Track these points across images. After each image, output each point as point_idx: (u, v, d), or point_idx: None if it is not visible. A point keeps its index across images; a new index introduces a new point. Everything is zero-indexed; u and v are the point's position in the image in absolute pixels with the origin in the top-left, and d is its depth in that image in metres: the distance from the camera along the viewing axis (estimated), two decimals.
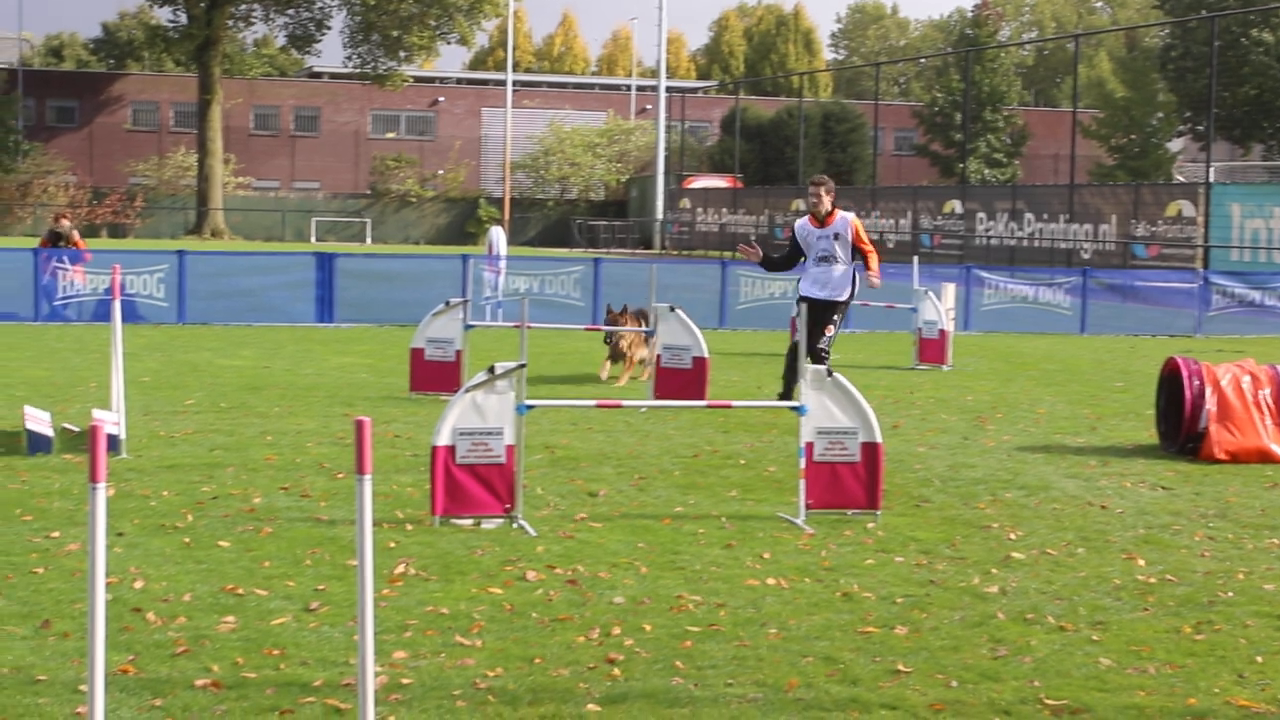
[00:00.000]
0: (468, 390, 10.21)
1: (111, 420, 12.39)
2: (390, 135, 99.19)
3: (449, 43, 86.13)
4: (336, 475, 11.79)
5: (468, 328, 17.07)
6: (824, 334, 15.75)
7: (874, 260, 16.14)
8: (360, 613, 5.20)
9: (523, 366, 10.29)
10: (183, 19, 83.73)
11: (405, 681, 6.79)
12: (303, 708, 6.44)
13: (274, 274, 29.38)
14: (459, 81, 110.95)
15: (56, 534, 9.49)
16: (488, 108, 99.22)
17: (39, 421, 12.66)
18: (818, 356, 15.36)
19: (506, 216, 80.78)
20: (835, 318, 16.08)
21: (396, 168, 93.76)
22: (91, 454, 4.97)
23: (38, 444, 12.36)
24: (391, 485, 11.33)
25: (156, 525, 9.85)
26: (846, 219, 16.02)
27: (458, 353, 16.72)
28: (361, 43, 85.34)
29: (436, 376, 16.50)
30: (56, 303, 27.18)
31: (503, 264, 29.79)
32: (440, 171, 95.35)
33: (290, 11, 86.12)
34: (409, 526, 9.97)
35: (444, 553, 9.28)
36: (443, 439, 10.06)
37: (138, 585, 8.29)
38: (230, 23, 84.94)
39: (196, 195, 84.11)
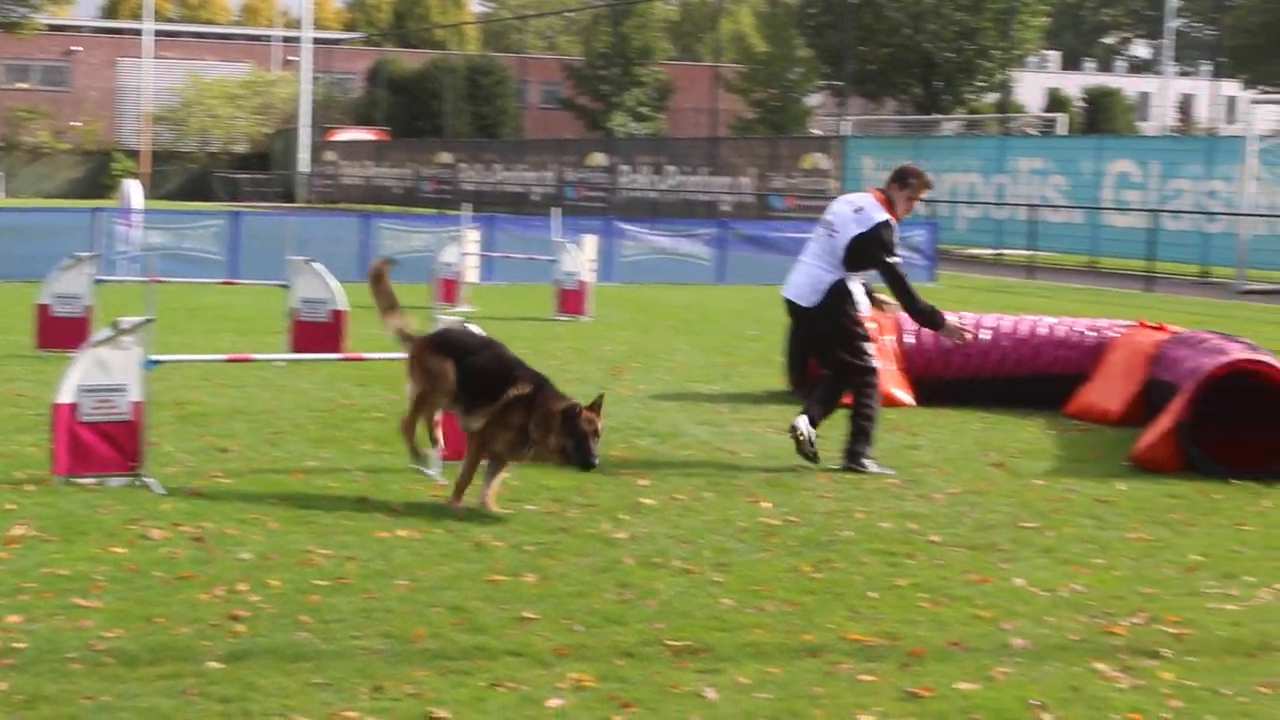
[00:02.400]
0: (92, 346, 9.95)
1: None
2: (22, 85, 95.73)
3: None
4: None
5: (97, 282, 16.60)
6: None
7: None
8: None
9: (150, 321, 10.06)
10: None
11: (18, 645, 6.60)
12: None
13: None
14: (95, 30, 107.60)
15: None
16: (125, 58, 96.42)
17: None
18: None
19: (145, 169, 78.79)
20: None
21: (30, 119, 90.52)
22: None
23: None
24: (12, 445, 10.97)
25: None
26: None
27: (86, 308, 16.25)
28: None
29: (64, 333, 15.98)
30: None
31: (137, 218, 29.01)
32: (75, 123, 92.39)
33: None
34: (29, 487, 9.66)
35: (65, 513, 9.02)
36: (65, 396, 9.78)
37: None
38: None
39: None
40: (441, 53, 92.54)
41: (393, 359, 14.79)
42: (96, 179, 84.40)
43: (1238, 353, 11.82)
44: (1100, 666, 6.73)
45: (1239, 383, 11.54)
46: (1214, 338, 13.06)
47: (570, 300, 22.11)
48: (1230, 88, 77.93)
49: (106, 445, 9.88)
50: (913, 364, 14.32)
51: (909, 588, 7.94)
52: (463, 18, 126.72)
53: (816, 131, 71.02)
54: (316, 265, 16.35)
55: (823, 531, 9.13)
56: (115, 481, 9.82)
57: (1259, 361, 11.53)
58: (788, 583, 7.97)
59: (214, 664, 6.45)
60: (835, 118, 60.89)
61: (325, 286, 16.19)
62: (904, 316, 14.40)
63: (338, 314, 16.13)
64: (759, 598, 7.67)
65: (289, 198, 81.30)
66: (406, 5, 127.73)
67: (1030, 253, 35.86)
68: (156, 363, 10.23)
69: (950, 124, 60.18)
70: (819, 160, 47.99)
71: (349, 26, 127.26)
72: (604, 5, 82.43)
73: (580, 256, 22.43)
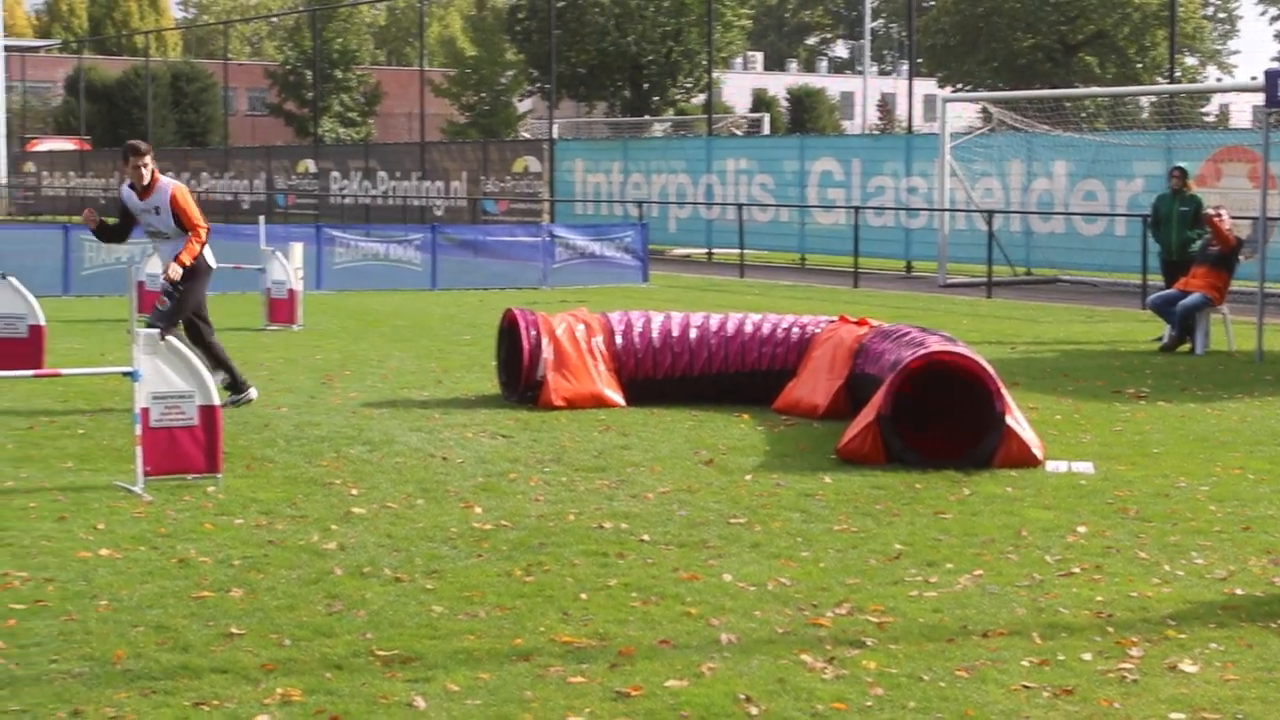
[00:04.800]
0: None
1: None
2: None
3: None
4: None
5: None
6: (157, 306, 14.58)
7: (194, 242, 13.87)
8: None
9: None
10: None
11: None
12: None
13: None
14: None
15: None
16: None
17: None
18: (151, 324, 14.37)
19: None
20: (173, 290, 14.40)
21: None
22: None
23: None
24: None
25: None
26: (167, 188, 13.90)
27: None
28: None
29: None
30: None
31: None
32: None
33: None
34: None
35: None
36: None
37: None
38: None
39: None
40: (143, 60, 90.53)
41: (93, 374, 14.50)
42: None
43: (936, 345, 12.14)
44: (806, 658, 6.85)
45: (938, 374, 11.85)
46: (914, 331, 13.38)
47: (280, 309, 21.81)
48: (928, 86, 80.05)
49: None
50: (623, 364, 14.42)
51: (619, 587, 7.99)
52: (164, 23, 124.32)
53: (527, 135, 71.18)
54: (12, 279, 15.87)
55: (535, 535, 9.15)
56: None
57: (955, 353, 11.85)
58: (499, 587, 7.97)
59: None
60: (545, 121, 61.05)
61: (23, 301, 15.72)
62: (614, 317, 14.52)
63: (36, 329, 15.67)
64: (471, 604, 7.65)
65: None
66: (103, 12, 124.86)
67: (740, 251, 36.34)
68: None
69: (659, 125, 60.80)
70: (530, 163, 48.07)
71: (44, 33, 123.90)
72: (307, 10, 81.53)
73: (288, 265, 22.14)
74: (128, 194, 14.08)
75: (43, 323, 15.72)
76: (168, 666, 6.65)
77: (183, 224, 13.90)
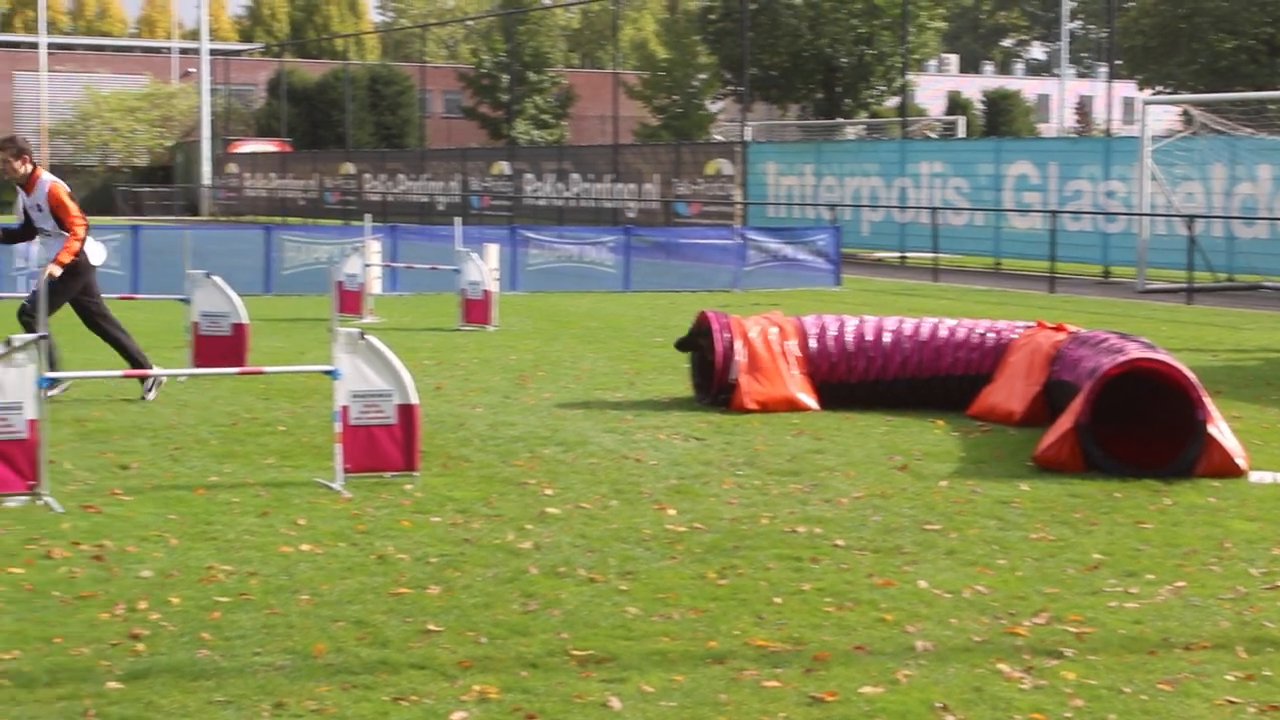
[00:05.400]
0: None
1: None
2: None
3: None
4: None
5: None
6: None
7: (73, 240, 13.76)
8: None
9: (44, 338, 9.94)
10: None
11: None
12: None
13: None
14: None
15: None
16: (20, 71, 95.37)
17: None
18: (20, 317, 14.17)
19: None
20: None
21: None
22: None
23: None
24: None
25: None
26: (45, 185, 13.81)
27: None
28: None
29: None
30: None
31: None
32: None
33: None
34: None
35: None
36: None
37: None
38: None
39: None
40: (342, 63, 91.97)
41: (294, 372, 14.76)
42: None
43: (1135, 352, 11.93)
44: (1003, 667, 6.77)
45: (1138, 381, 11.65)
46: (1112, 337, 13.17)
47: (475, 310, 22.04)
48: (1127, 89, 78.76)
49: (3, 464, 9.75)
50: (816, 368, 14.36)
51: (814, 592, 7.95)
52: (363, 27, 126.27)
53: (720, 137, 71.18)
54: (217, 279, 16.22)
55: (728, 538, 9.14)
56: (13, 501, 9.70)
57: (1155, 360, 11.64)
58: (693, 590, 7.97)
59: (114, 684, 6.38)
60: (738, 124, 60.99)
61: (227, 300, 16.05)
62: (808, 321, 14.47)
63: (239, 327, 16.00)
64: (664, 605, 7.67)
65: (193, 210, 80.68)
66: (304, 15, 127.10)
67: (934, 255, 36.05)
68: (51, 380, 10.12)
69: (852, 128, 60.49)
70: (723, 166, 48.09)
71: (247, 37, 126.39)
72: (501, 14, 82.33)
73: (484, 266, 22.37)
74: (20, 191, 14.14)
75: (246, 321, 16.04)
76: (367, 661, 6.74)
77: (62, 222, 13.87)
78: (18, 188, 14.09)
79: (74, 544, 8.73)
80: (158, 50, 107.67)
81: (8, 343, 9.83)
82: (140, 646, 6.89)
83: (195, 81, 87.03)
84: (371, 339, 10.56)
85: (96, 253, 14.46)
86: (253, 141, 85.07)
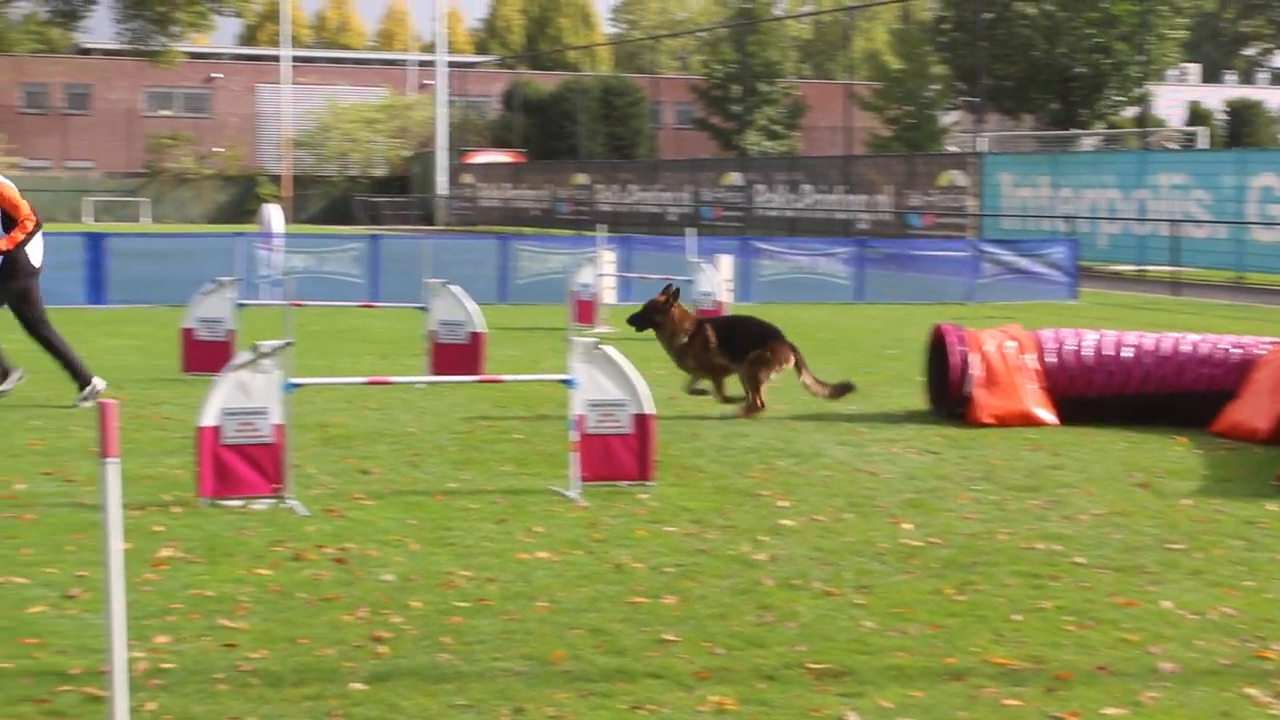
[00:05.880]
0: (233, 369, 10.08)
1: None
2: (165, 113, 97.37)
3: (222, 14, 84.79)
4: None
5: (239, 306, 16.84)
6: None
7: (18, 231, 13.84)
8: (106, 601, 5.12)
9: (289, 344, 10.17)
10: None
11: (166, 666, 6.69)
12: (60, 696, 6.31)
13: (44, 255, 28.63)
14: (234, 57, 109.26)
15: None
16: (264, 84, 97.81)
17: None
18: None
19: (287, 194, 79.81)
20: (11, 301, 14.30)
21: (173, 145, 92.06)
22: None
23: None
24: (160, 468, 11.13)
25: None
26: None
27: (229, 332, 16.49)
28: (132, 18, 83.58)
29: (208, 357, 16.21)
30: None
31: (278, 242, 29.39)
32: (217, 149, 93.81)
33: None
34: (176, 509, 9.81)
35: (211, 535, 9.15)
36: (208, 419, 9.92)
37: None
38: None
39: None
40: (575, 74, 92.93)
41: (531, 381, 14.91)
42: (241, 204, 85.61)
43: None
44: (1252, 692, 6.60)
45: None
46: None
47: None
48: None
49: (249, 468, 10.00)
50: (1055, 383, 14.14)
51: (1054, 610, 7.83)
52: (595, 39, 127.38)
53: (953, 148, 70.51)
54: (454, 288, 16.46)
55: (965, 553, 9.04)
56: (259, 504, 9.94)
57: None
58: (930, 605, 7.89)
59: (358, 685, 6.50)
60: (972, 134, 60.35)
61: (463, 309, 16.29)
62: (1045, 334, 14.27)
63: (476, 336, 16.22)
64: (901, 620, 7.60)
65: (429, 220, 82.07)
66: (537, 27, 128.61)
67: (1174, 269, 35.35)
68: (296, 385, 10.35)
69: (1088, 139, 59.54)
70: (956, 177, 47.65)
71: (481, 49, 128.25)
72: (732, 25, 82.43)
73: (716, 276, 22.40)
74: None
75: (483, 330, 16.26)
76: (604, 669, 6.78)
77: (11, 221, 13.87)
78: None
79: (318, 546, 8.91)
80: (396, 63, 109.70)
81: (254, 348, 10.07)
82: (383, 649, 7.01)
83: (432, 93, 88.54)
84: (607, 348, 10.63)
85: (37, 255, 14.28)
86: (487, 152, 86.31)
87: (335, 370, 16.97)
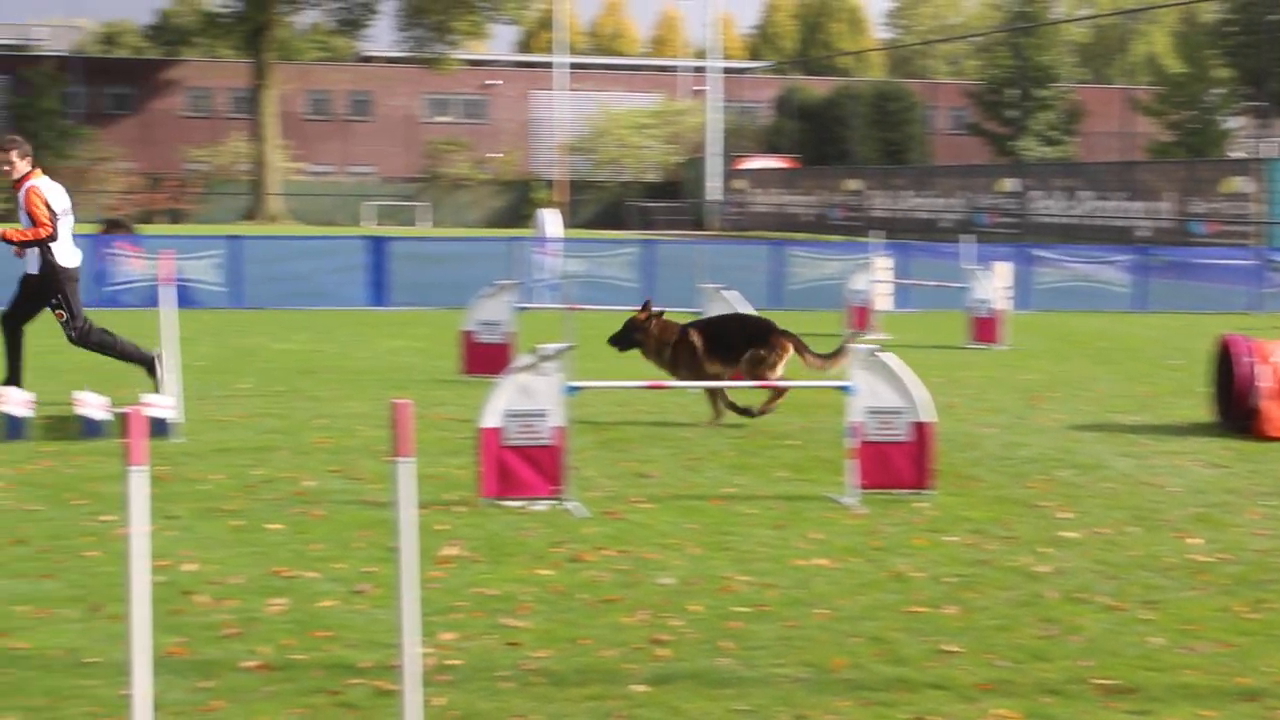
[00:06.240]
0: (515, 372, 10.23)
1: (166, 404, 12.46)
2: (443, 119, 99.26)
3: (498, 22, 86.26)
4: (385, 459, 11.79)
5: (518, 310, 17.09)
6: (57, 317, 14.21)
7: (30, 233, 13.87)
8: (401, 599, 5.23)
9: (570, 348, 10.29)
10: (236, 5, 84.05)
11: (453, 662, 6.81)
12: (350, 689, 6.46)
13: (326, 258, 29.53)
14: (511, 64, 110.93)
15: (108, 517, 9.53)
16: (538, 90, 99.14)
17: (92, 406, 12.73)
18: (73, 336, 14.33)
19: (561, 198, 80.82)
20: (55, 303, 14.19)
21: (450, 151, 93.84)
22: (129, 438, 4.98)
23: (91, 428, 12.44)
24: (442, 468, 11.33)
25: (208, 508, 9.89)
26: (25, 188, 13.98)
27: (508, 334, 16.75)
28: (412, 26, 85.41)
29: (487, 359, 16.51)
30: (110, 288, 27.36)
31: (554, 246, 29.77)
32: (494, 154, 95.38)
33: None
34: (459, 509, 9.98)
35: (493, 534, 9.30)
36: (490, 421, 10.08)
37: (189, 568, 8.33)
38: (282, 8, 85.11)
39: (252, 180, 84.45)
40: (847, 79, 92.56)
41: (809, 387, 14.85)
42: (516, 209, 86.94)
43: None
44: None
45: None
46: None
47: (983, 328, 21.82)
48: None
49: (530, 469, 10.13)
50: None
51: None
52: (867, 44, 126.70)
53: (1238, 154, 68.66)
54: (729, 293, 16.49)
55: (1257, 570, 8.78)
56: (539, 505, 10.06)
57: None
58: (1221, 623, 7.68)
59: (639, 687, 6.54)
60: (1257, 139, 58.72)
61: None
62: None
63: None
64: (1190, 637, 7.41)
65: (700, 225, 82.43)
66: (809, 32, 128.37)
67: None
68: (577, 389, 10.46)
69: None
70: (1240, 184, 46.38)
71: (753, 55, 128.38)
72: (1008, 29, 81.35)
73: (993, 283, 22.13)
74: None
75: None
76: (885, 678, 6.73)
77: (34, 222, 13.88)
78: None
79: (597, 549, 9.00)
80: (668, 69, 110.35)
81: (536, 352, 10.21)
82: (663, 651, 7.05)
83: (704, 99, 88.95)
84: (886, 355, 10.56)
85: (73, 258, 14.27)
86: (759, 158, 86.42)
87: (609, 374, 17.07)
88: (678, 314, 19.37)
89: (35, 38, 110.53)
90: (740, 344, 14.09)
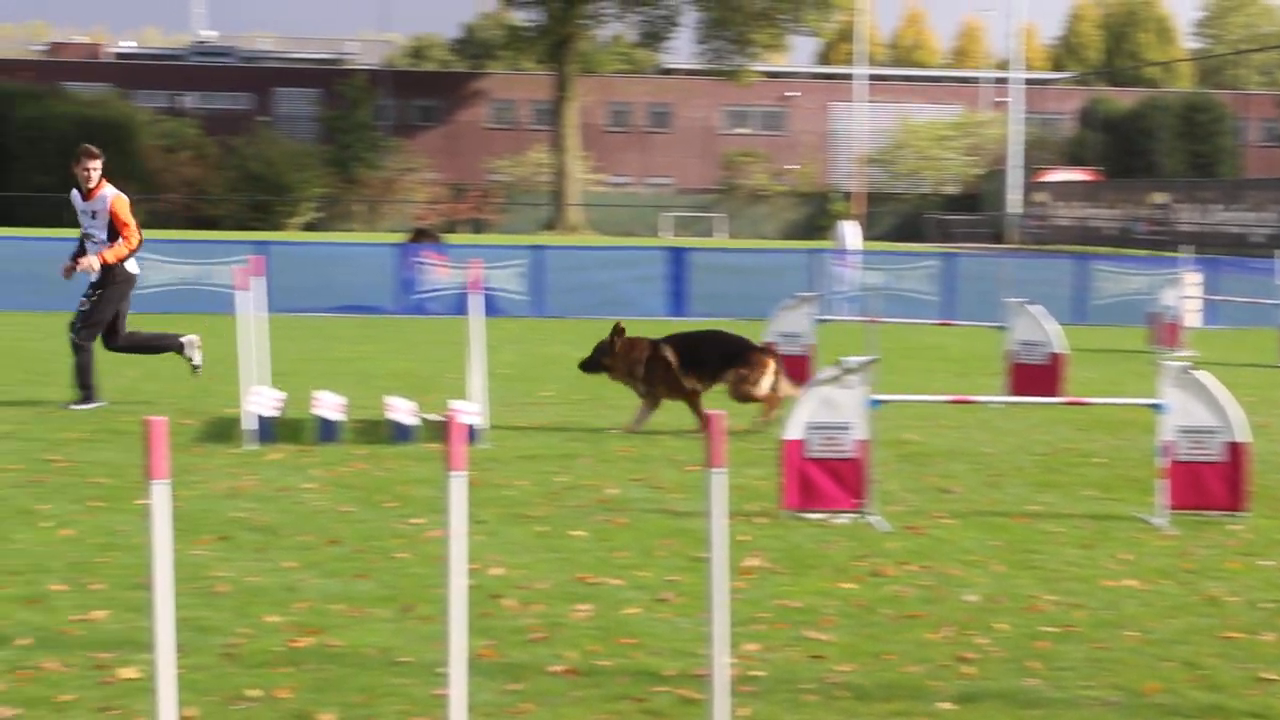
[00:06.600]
0: (819, 384, 10.20)
1: (472, 411, 12.71)
2: (741, 130, 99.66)
3: (799, 34, 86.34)
4: (687, 468, 11.87)
5: (818, 322, 17.06)
6: (80, 303, 14.95)
7: (122, 245, 14.66)
8: (712, 607, 5.24)
9: (874, 361, 10.24)
10: (539, 19, 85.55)
11: (756, 674, 6.81)
12: (654, 696, 6.50)
13: (627, 268, 29.85)
14: (809, 76, 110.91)
15: (419, 520, 9.75)
16: (836, 101, 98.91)
17: (402, 411, 13.05)
18: (72, 329, 14.87)
19: (858, 210, 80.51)
20: (91, 295, 14.80)
21: (747, 162, 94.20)
22: (449, 444, 5.09)
23: (400, 433, 12.74)
24: (742, 478, 11.35)
25: (514, 514, 10.06)
26: (109, 197, 14.66)
27: (808, 346, 16.72)
28: (712, 39, 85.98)
29: (787, 370, 16.49)
30: (417, 296, 28.04)
31: (854, 258, 29.67)
32: (792, 166, 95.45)
33: (641, 10, 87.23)
34: (760, 520, 9.99)
35: (794, 546, 9.28)
36: (794, 433, 10.08)
37: (496, 572, 8.47)
38: (584, 21, 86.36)
39: (552, 191, 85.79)
40: (1154, 91, 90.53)
41: (1117, 405, 14.52)
42: (813, 220, 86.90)
43: None
44: None
45: None
46: None
47: None
48: None
49: (832, 482, 10.10)
50: None
51: None
52: (1175, 54, 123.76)
53: None
54: (1034, 308, 16.25)
55: None
56: (840, 518, 10.02)
57: None
58: None
59: (945, 705, 6.46)
60: None
61: (1043, 329, 16.07)
62: None
63: (1055, 357, 15.98)
64: None
65: (999, 239, 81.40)
66: (1115, 42, 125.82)
67: None
68: (880, 402, 10.39)
69: None
70: None
71: (1056, 66, 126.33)
72: None
73: None
74: (75, 195, 14.78)
75: (1063, 351, 16.00)
76: (1200, 705, 6.54)
77: (117, 231, 14.58)
78: (76, 191, 14.82)
79: (900, 564, 8.92)
80: (969, 80, 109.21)
81: (840, 364, 10.17)
82: (969, 670, 6.95)
83: (1005, 110, 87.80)
84: (1200, 373, 10.29)
85: (134, 265, 15.03)
86: (1061, 170, 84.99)
87: (910, 387, 16.95)
88: (980, 328, 19.20)
89: (347, 52, 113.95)
90: (716, 361, 13.84)
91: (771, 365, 13.90)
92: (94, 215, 14.72)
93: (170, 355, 15.39)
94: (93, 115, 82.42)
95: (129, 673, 6.57)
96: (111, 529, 9.36)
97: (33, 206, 74.48)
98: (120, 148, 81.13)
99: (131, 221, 14.75)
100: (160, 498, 4.89)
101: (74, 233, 15.10)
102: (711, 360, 13.82)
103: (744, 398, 13.80)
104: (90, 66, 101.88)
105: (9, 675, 6.54)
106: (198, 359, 15.12)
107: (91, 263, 14.62)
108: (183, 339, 15.13)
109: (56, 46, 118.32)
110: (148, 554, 4.94)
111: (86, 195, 14.71)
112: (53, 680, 6.49)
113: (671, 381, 13.77)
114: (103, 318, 14.80)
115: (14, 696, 6.28)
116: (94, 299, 14.78)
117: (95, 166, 14.60)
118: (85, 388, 14.71)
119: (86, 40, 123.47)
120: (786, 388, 13.79)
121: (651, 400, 13.91)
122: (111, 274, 14.76)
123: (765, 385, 13.82)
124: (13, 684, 6.43)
